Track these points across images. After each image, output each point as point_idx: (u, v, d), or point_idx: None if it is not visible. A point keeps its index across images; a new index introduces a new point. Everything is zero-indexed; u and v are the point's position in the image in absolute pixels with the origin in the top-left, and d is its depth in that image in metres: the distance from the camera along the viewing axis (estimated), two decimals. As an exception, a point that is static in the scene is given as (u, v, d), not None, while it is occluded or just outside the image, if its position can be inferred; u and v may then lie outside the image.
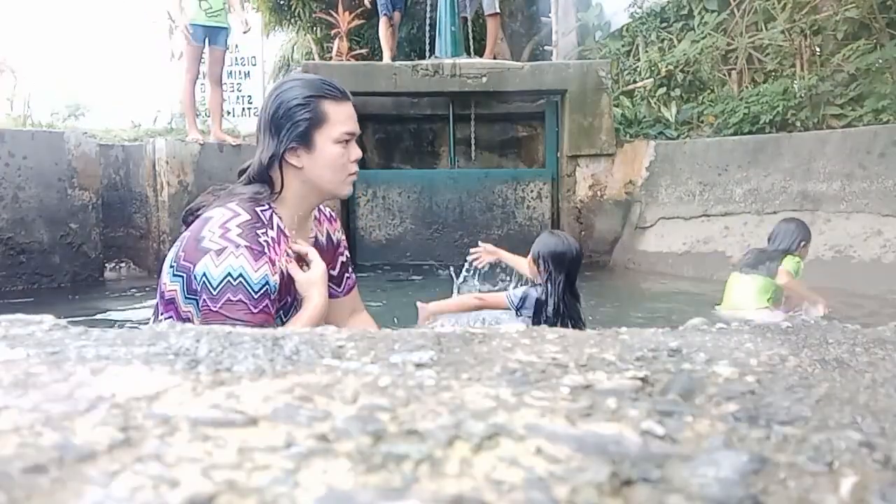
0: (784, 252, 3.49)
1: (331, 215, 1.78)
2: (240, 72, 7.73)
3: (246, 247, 1.37)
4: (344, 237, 1.84)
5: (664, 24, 7.84)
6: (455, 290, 3.25)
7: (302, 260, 1.54)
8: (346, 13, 7.70)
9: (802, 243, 3.55)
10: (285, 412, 0.46)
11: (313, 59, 8.97)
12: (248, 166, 1.54)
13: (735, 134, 5.76)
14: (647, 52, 7.63)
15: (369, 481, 0.36)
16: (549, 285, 2.44)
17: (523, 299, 2.52)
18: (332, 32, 8.30)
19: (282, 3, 9.90)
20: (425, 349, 0.63)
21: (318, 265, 1.52)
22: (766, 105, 5.78)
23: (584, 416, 0.46)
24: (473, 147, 6.23)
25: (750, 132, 5.71)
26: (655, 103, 6.80)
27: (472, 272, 3.14)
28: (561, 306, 2.42)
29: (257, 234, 1.41)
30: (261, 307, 1.36)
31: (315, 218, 1.66)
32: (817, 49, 6.19)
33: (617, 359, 0.61)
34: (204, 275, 1.36)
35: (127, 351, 0.61)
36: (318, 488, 0.35)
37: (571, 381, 0.53)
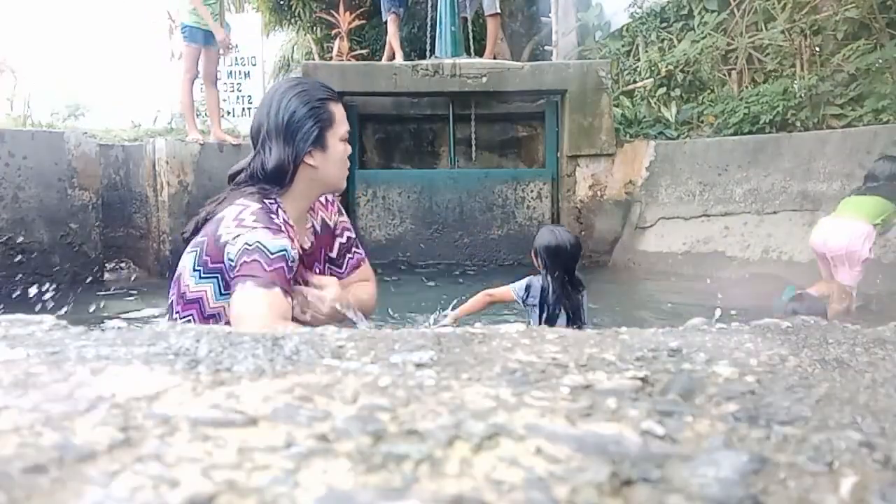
0: None
1: (326, 201, 1.81)
2: (240, 72, 7.71)
3: (263, 227, 1.44)
4: (345, 218, 1.86)
5: (664, 24, 7.84)
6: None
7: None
8: (347, 13, 7.70)
9: None
10: (285, 412, 0.46)
11: (313, 59, 8.98)
12: (241, 170, 1.60)
13: (735, 134, 5.76)
14: (647, 52, 7.63)
15: (369, 481, 0.36)
16: (548, 277, 2.59)
17: (527, 289, 2.67)
18: (333, 32, 8.31)
19: (282, 3, 9.90)
20: (425, 349, 0.63)
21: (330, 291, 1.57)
22: (766, 105, 5.78)
23: (584, 416, 0.46)
24: (473, 147, 6.23)
25: (750, 132, 5.71)
26: (655, 103, 6.80)
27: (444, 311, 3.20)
28: (560, 295, 2.58)
29: (271, 218, 1.48)
30: (275, 267, 1.40)
31: (310, 208, 1.72)
32: (817, 49, 6.19)
33: (617, 359, 0.61)
34: (226, 253, 1.43)
35: (127, 351, 0.61)
36: (318, 488, 0.35)
37: (571, 381, 0.53)
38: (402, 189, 5.93)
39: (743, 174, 5.30)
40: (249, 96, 7.73)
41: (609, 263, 5.68)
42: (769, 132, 5.62)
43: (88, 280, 4.73)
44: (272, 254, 1.40)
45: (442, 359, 0.60)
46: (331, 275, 1.71)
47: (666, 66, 7.07)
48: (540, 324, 2.64)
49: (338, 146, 1.57)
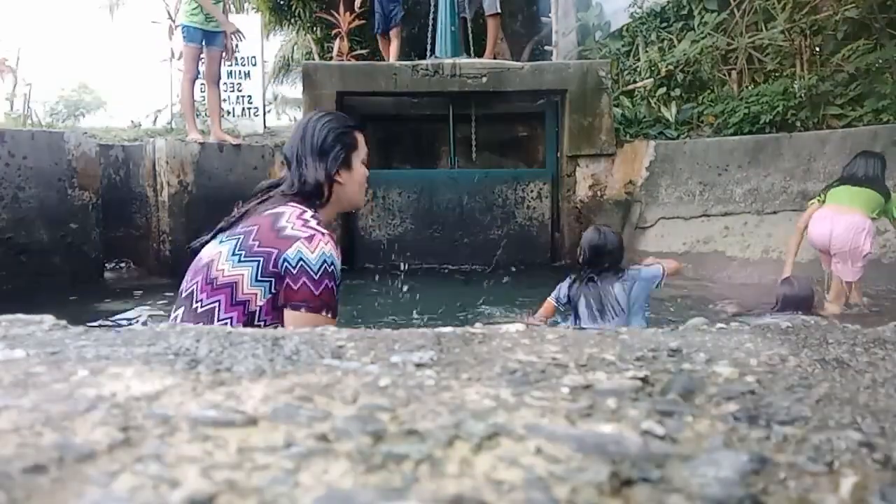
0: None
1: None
2: (240, 72, 7.69)
3: (329, 233, 1.57)
4: None
5: (664, 24, 7.83)
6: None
7: None
8: (347, 13, 7.69)
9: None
10: (285, 412, 0.46)
11: (313, 59, 8.97)
12: (271, 185, 1.78)
13: (735, 134, 5.76)
14: (647, 52, 7.63)
15: (369, 481, 0.36)
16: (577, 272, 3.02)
17: (560, 289, 3.03)
18: (333, 32, 8.30)
19: (282, 3, 9.90)
20: (425, 349, 0.63)
21: None
22: (766, 105, 5.78)
23: (584, 416, 0.46)
24: (473, 147, 6.23)
25: (750, 132, 5.71)
26: (655, 103, 6.80)
27: None
28: (581, 289, 2.91)
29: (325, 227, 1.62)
30: (338, 293, 1.57)
31: None
32: (817, 49, 6.19)
33: (617, 359, 0.61)
34: (301, 259, 1.51)
35: (127, 351, 0.61)
36: (318, 488, 0.35)
37: (571, 381, 0.53)
38: (402, 189, 5.93)
39: (743, 174, 5.30)
40: (249, 96, 7.71)
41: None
42: (769, 132, 5.62)
43: (88, 280, 4.73)
44: (338, 278, 1.55)
45: (442, 359, 0.60)
46: None
47: (666, 66, 7.07)
48: (575, 318, 2.97)
49: (360, 168, 1.78)
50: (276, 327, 1.45)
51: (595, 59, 7.58)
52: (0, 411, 0.45)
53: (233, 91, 7.62)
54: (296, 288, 1.51)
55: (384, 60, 6.92)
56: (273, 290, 1.51)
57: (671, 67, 7.03)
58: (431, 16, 6.71)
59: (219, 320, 1.49)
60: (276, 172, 4.99)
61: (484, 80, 5.67)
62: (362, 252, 5.82)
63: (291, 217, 1.59)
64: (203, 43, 5.50)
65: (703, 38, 7.05)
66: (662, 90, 6.99)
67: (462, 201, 5.91)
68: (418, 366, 0.58)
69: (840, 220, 3.72)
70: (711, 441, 0.42)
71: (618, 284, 2.85)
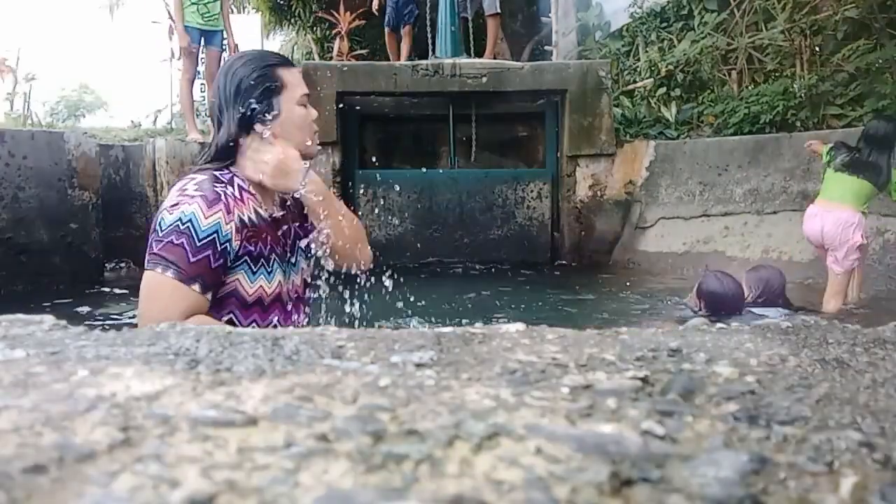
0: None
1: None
2: (240, 72, 7.70)
3: (200, 196, 1.38)
4: None
5: (664, 24, 7.83)
6: None
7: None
8: (347, 13, 7.70)
9: None
10: (285, 412, 0.46)
11: (313, 59, 8.97)
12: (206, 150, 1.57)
13: (735, 134, 5.76)
14: (647, 52, 7.63)
15: (369, 481, 0.36)
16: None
17: None
18: (333, 32, 8.31)
19: (282, 2, 9.90)
20: (425, 349, 0.63)
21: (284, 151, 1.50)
22: (766, 105, 5.78)
23: (584, 416, 0.46)
24: (473, 147, 6.23)
25: (750, 132, 5.71)
26: (655, 103, 6.80)
27: None
28: None
29: (214, 186, 1.41)
30: (199, 257, 1.35)
31: None
32: (817, 49, 6.19)
33: (617, 359, 0.61)
34: (159, 222, 1.37)
35: (127, 351, 0.61)
36: (318, 488, 0.35)
37: (571, 381, 0.53)
38: (402, 189, 5.93)
39: (743, 174, 5.29)
40: (249, 96, 7.72)
41: (609, 263, 5.69)
42: (769, 132, 5.62)
43: (88, 280, 4.73)
44: (200, 240, 1.35)
45: (442, 359, 0.60)
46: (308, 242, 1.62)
47: (666, 66, 7.07)
48: None
49: (294, 110, 1.51)
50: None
51: (595, 59, 7.58)
52: (0, 411, 0.45)
53: (233, 91, 7.62)
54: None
55: (386, 59, 6.90)
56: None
57: (671, 67, 7.03)
58: (431, 16, 6.71)
59: None
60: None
61: (484, 80, 5.67)
62: (362, 252, 5.82)
63: (172, 192, 1.41)
64: (202, 42, 5.50)
65: (703, 38, 7.06)
66: (662, 90, 6.99)
67: (462, 201, 5.91)
68: (418, 366, 0.58)
69: (828, 216, 3.76)
70: (711, 441, 0.42)
71: None
